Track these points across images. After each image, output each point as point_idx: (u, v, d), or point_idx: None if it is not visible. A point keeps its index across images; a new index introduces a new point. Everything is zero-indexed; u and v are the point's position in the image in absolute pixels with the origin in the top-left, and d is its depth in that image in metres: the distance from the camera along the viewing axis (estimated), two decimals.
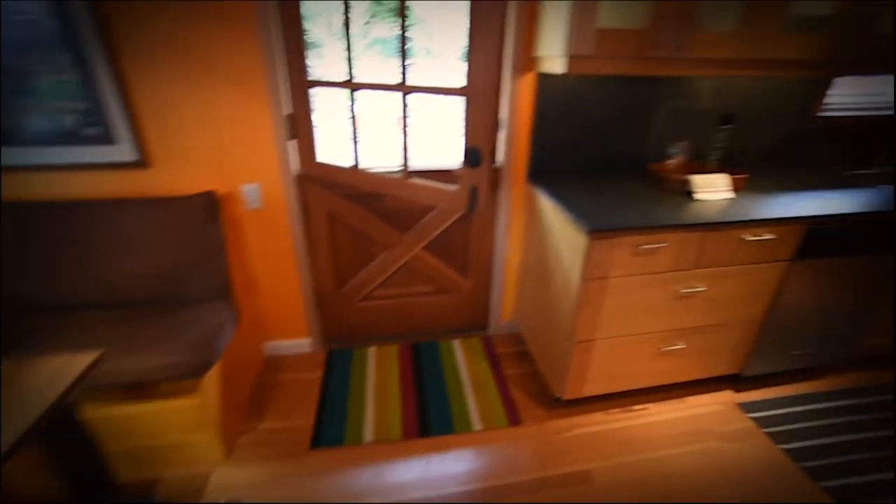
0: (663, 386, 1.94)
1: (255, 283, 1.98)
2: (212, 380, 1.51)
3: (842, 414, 1.88)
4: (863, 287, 1.84)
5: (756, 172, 2.03)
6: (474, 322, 2.33)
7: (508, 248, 2.10)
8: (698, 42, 1.45)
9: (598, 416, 1.83)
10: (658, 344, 1.72)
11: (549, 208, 1.72)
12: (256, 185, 1.78)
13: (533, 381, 2.02)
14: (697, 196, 1.68)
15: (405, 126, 1.64)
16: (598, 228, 1.38)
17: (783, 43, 1.52)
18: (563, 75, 1.75)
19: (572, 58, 1.42)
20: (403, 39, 1.51)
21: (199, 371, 1.41)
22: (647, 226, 1.41)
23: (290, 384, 2.00)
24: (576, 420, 1.81)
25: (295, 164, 1.81)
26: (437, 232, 2.01)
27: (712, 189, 1.70)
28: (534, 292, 1.96)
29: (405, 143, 1.67)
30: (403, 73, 1.56)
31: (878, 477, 1.60)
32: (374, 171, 1.78)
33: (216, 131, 1.65)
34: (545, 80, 1.76)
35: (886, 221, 1.67)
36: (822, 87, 2.06)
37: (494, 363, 2.12)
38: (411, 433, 1.73)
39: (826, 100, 2.10)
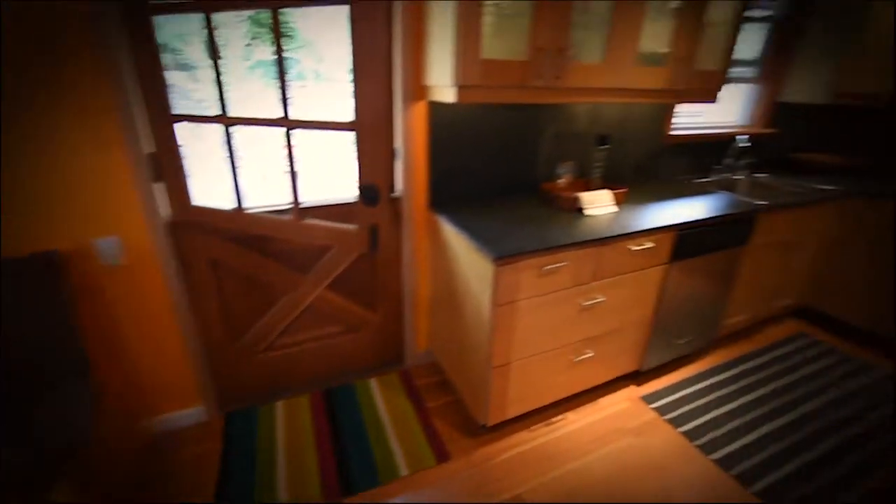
0: (577, 394, 2.04)
1: (125, 350, 1.65)
2: (71, 482, 1.19)
3: (716, 388, 2.15)
4: (720, 277, 2.14)
5: (630, 185, 2.28)
6: (390, 356, 2.23)
7: (417, 278, 2.05)
8: (572, 72, 1.58)
9: (523, 435, 1.85)
10: (569, 356, 1.80)
11: (453, 236, 1.71)
12: (114, 238, 1.49)
13: (456, 410, 1.98)
14: (587, 212, 1.82)
15: (292, 163, 1.52)
16: (504, 255, 1.40)
17: (637, 74, 1.73)
18: (454, 104, 1.77)
19: (461, 87, 1.44)
20: (282, 70, 1.40)
21: (48, 473, 1.11)
22: (548, 247, 1.47)
23: (185, 462, 1.69)
24: (502, 444, 1.81)
25: (166, 209, 1.56)
26: (340, 270, 1.89)
27: (599, 204, 1.85)
28: (447, 320, 1.93)
29: (294, 180, 1.54)
30: (285, 107, 1.45)
31: (751, 438, 1.84)
32: (263, 210, 1.62)
33: (58, 177, 1.35)
34: (437, 108, 1.77)
35: (731, 222, 1.98)
36: (669, 111, 2.39)
37: (415, 397, 2.04)
38: (332, 493, 1.57)
39: (673, 122, 2.44)
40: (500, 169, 2.01)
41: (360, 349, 2.14)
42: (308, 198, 1.75)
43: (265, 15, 1.62)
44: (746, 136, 2.61)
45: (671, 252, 1.83)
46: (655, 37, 1.78)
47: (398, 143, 1.78)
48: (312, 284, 1.88)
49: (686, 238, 1.84)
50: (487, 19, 1.55)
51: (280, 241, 1.76)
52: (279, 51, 1.39)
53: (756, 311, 2.53)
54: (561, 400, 2.00)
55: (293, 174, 1.56)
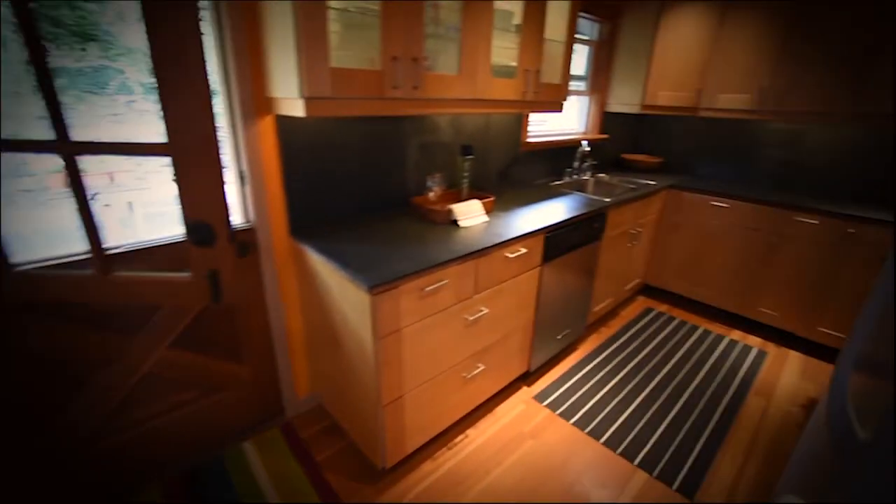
0: (474, 409, 2.00)
1: None
2: None
3: (594, 373, 2.33)
4: (585, 271, 2.33)
5: (496, 192, 2.35)
6: (268, 410, 1.91)
7: (287, 318, 1.79)
8: (430, 83, 1.53)
9: (427, 467, 1.73)
10: (462, 373, 1.74)
11: (322, 266, 1.51)
12: None
13: (350, 456, 1.77)
14: (461, 223, 1.79)
15: (81, 198, 1.17)
16: (380, 283, 1.26)
17: (492, 86, 1.77)
18: (308, 118, 1.59)
19: (309, 100, 1.27)
20: (47, 77, 1.06)
21: None
22: (427, 267, 1.38)
23: None
24: (407, 481, 1.66)
25: None
26: (184, 323, 1.54)
27: (471, 215, 1.84)
28: (328, 360, 1.72)
29: (87, 220, 1.18)
30: (58, 125, 1.10)
31: (626, 414, 2.02)
32: (54, 263, 1.21)
33: None
34: (290, 123, 1.56)
35: (589, 220, 2.16)
36: (525, 120, 2.55)
37: (301, 453, 1.77)
38: None
39: (528, 130, 2.61)
40: (368, 185, 1.87)
41: (229, 410, 1.78)
42: (131, 239, 1.38)
43: (67, 12, 1.23)
44: (587, 142, 2.92)
45: (543, 254, 1.91)
46: (505, 50, 1.85)
47: (244, 165, 1.52)
48: (147, 347, 1.49)
49: (554, 239, 1.94)
50: (336, 26, 1.42)
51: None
52: (36, 52, 1.04)
53: (615, 295, 2.83)
54: (460, 419, 1.93)
55: (86, 212, 1.19)
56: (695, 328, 2.86)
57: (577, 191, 2.77)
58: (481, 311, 1.69)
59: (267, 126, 1.52)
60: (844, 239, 2.40)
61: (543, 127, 2.90)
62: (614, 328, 2.82)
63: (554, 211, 2.07)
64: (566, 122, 3.12)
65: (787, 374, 2.44)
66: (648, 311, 3.07)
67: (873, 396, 0.61)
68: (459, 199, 2.02)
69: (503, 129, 2.43)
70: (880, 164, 2.64)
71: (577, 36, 2.74)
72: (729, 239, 2.81)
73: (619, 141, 3.54)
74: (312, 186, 1.69)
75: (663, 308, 3.13)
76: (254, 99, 1.46)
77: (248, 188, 1.54)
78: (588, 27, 2.96)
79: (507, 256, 1.71)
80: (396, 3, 1.35)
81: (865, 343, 0.59)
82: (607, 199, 2.35)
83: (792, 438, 1.97)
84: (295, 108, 1.32)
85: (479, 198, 1.97)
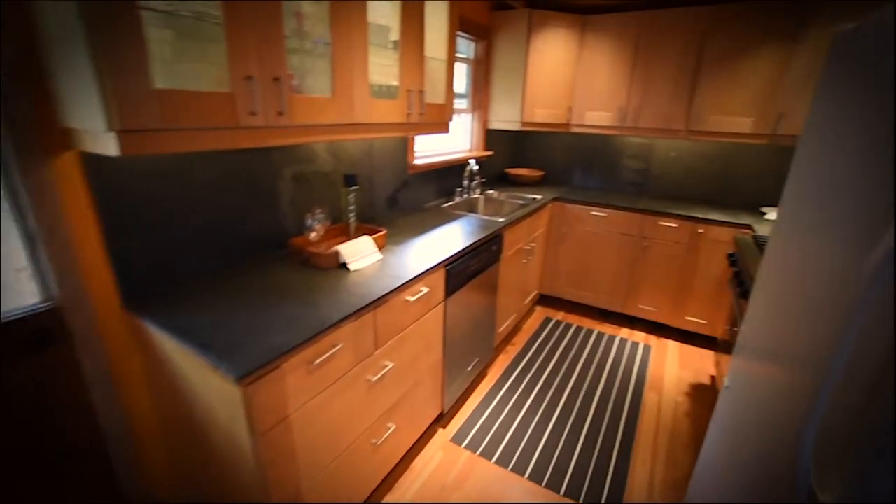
0: (390, 472, 1.76)
1: None
2: None
3: (506, 401, 2.26)
4: (487, 296, 2.25)
5: (386, 222, 2.16)
6: None
7: (133, 416, 1.35)
8: (299, 107, 1.27)
9: None
10: (370, 440, 1.49)
11: (173, 349, 1.14)
12: None
13: None
14: (352, 266, 1.55)
15: None
16: (252, 369, 0.97)
17: (374, 108, 1.57)
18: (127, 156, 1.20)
19: (126, 133, 0.93)
20: None
21: None
22: (315, 333, 1.12)
23: None
24: None
25: None
26: None
27: (362, 255, 1.61)
28: (196, 463, 1.33)
29: None
30: None
31: (544, 440, 1.98)
32: None
33: None
34: (107, 162, 1.16)
35: (487, 243, 2.08)
36: (411, 141, 2.40)
37: None
38: None
39: (415, 151, 2.47)
40: (233, 231, 1.52)
41: None
42: None
43: None
44: (475, 160, 2.89)
45: (445, 289, 1.77)
46: (385, 69, 1.67)
47: (31, 222, 1.08)
48: None
49: (455, 271, 1.81)
50: (164, 34, 1.08)
51: None
52: None
53: (517, 312, 2.83)
54: (375, 488, 1.68)
55: None
56: (590, 332, 3.00)
57: (470, 211, 2.71)
58: (385, 366, 1.47)
59: (68, 166, 1.11)
60: (695, 237, 2.72)
61: (429, 147, 2.80)
62: (519, 345, 2.81)
63: (451, 238, 1.95)
64: (452, 140, 3.06)
65: (670, 364, 2.67)
66: (547, 320, 3.15)
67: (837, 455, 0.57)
68: (347, 237, 1.78)
69: (389, 153, 2.25)
70: (715, 172, 3.08)
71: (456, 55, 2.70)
72: (609, 245, 3.02)
73: (502, 156, 3.62)
74: (154, 241, 1.29)
75: (559, 315, 3.25)
76: (39, 129, 1.05)
77: (43, 253, 1.10)
78: (465, 46, 2.95)
79: (407, 300, 1.52)
80: (244, 7, 1.08)
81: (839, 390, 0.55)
82: (501, 219, 2.32)
83: (682, 429, 2.12)
84: (104, 144, 0.96)
85: (370, 232, 1.76)
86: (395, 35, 1.67)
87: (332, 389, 1.24)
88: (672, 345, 2.91)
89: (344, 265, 1.54)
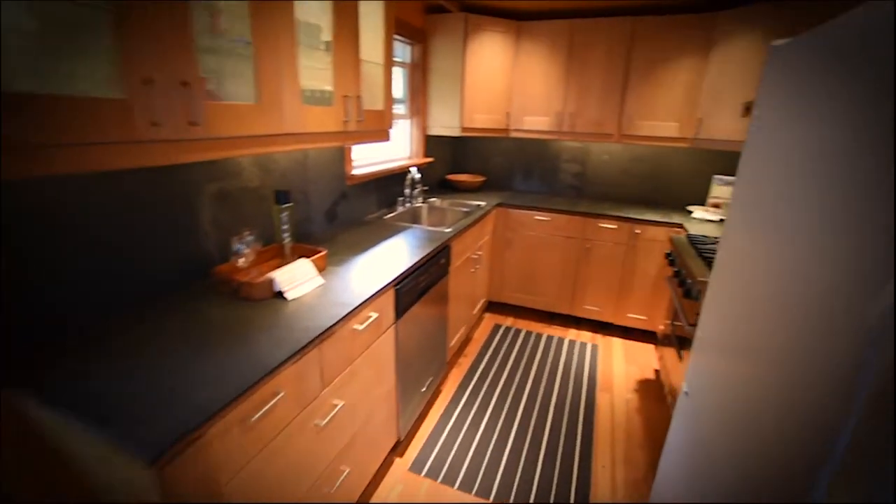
0: None
1: None
2: None
3: (464, 416, 2.18)
4: (438, 311, 2.15)
5: (327, 239, 1.98)
6: None
7: None
8: (218, 116, 1.08)
9: None
10: (324, 489, 1.32)
11: (62, 429, 0.90)
12: None
13: None
14: (289, 295, 1.37)
15: None
16: (167, 446, 0.77)
17: (306, 116, 1.41)
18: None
19: None
20: None
21: None
22: (249, 385, 0.94)
23: None
24: None
25: None
26: None
27: (300, 281, 1.43)
28: None
29: None
30: None
31: (506, 455, 1.91)
32: None
33: None
34: None
35: (435, 257, 1.98)
36: (348, 150, 2.23)
37: None
38: None
39: (353, 160, 2.30)
40: (141, 264, 1.27)
41: None
42: None
43: None
44: (416, 168, 2.78)
45: (395, 310, 1.64)
46: (317, 72, 1.51)
47: None
48: None
49: (404, 290, 1.69)
50: (25, 21, 0.85)
51: None
52: None
53: (467, 322, 2.76)
54: None
55: None
56: (539, 336, 3.01)
57: (414, 222, 2.60)
58: (335, 406, 1.31)
59: None
60: (633, 238, 2.83)
61: (368, 155, 2.64)
62: (471, 355, 2.74)
63: (397, 253, 1.82)
64: (391, 147, 2.93)
65: (617, 362, 2.75)
66: (497, 327, 3.12)
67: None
68: (282, 260, 1.59)
69: (325, 163, 2.07)
70: (646, 174, 3.24)
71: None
72: (553, 248, 3.05)
73: (443, 162, 3.55)
74: (35, 295, 1.03)
75: (509, 321, 3.23)
76: None
77: None
78: (401, 49, 2.83)
79: (355, 329, 1.37)
80: None
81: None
82: (448, 230, 2.23)
83: (636, 427, 2.17)
84: None
85: (308, 253, 1.58)
86: (327, 35, 1.52)
87: (275, 444, 1.07)
88: (617, 342, 3.00)
89: (280, 294, 1.36)
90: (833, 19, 0.76)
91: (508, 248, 3.16)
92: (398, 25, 2.56)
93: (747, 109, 2.00)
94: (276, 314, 1.25)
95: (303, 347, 1.10)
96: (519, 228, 3.09)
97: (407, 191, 2.79)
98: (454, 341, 2.53)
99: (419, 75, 2.94)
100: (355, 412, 1.45)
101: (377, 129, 1.89)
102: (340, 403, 1.33)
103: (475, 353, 2.76)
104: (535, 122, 3.09)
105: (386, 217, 2.50)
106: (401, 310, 1.68)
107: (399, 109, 2.92)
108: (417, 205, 2.82)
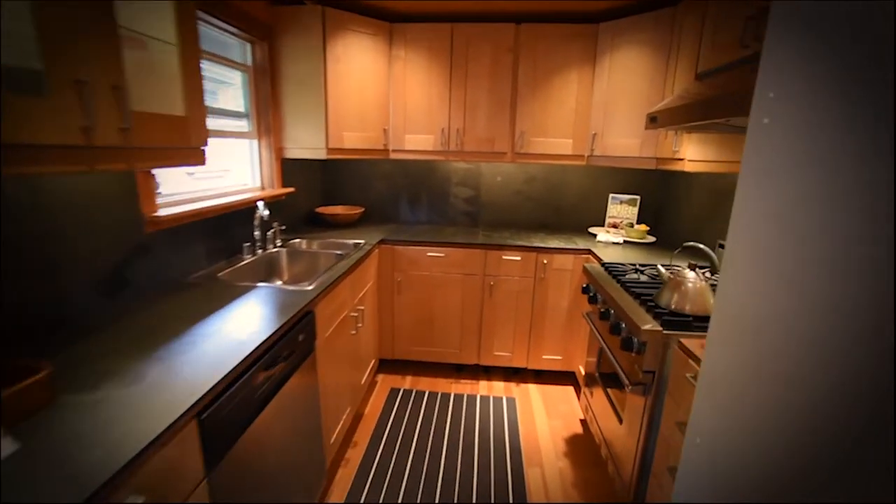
0: None
1: None
2: None
3: None
4: (303, 405, 1.46)
5: (95, 329, 1.18)
6: None
7: None
8: None
9: None
10: None
11: None
12: None
13: None
14: None
15: None
16: None
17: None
18: None
19: None
20: None
21: None
22: None
23: None
24: None
25: None
26: None
27: None
28: None
29: None
30: None
31: None
32: None
33: None
34: None
35: (287, 334, 1.31)
36: (145, 182, 1.45)
37: None
38: None
39: (157, 196, 1.53)
40: None
41: None
42: None
43: None
44: (263, 202, 2.08)
45: (204, 457, 0.93)
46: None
47: None
48: None
49: (223, 415, 0.99)
50: None
51: None
52: None
53: (352, 401, 2.09)
54: None
55: None
56: (446, 396, 2.46)
57: (266, 278, 1.90)
58: None
59: None
60: (541, 268, 2.48)
61: (191, 187, 1.87)
62: (362, 444, 2.06)
63: (218, 342, 1.12)
64: (232, 175, 2.18)
65: (539, 418, 2.32)
66: (394, 393, 2.49)
67: None
68: None
69: (89, 200, 1.27)
70: (542, 196, 2.97)
71: (218, 54, 1.87)
72: (451, 288, 2.56)
73: (309, 192, 2.87)
74: None
75: (407, 382, 2.63)
76: None
77: None
78: (239, 48, 2.13)
79: None
80: None
81: None
82: (310, 287, 1.58)
83: (577, 499, 1.73)
84: None
85: (23, 378, 0.80)
86: None
87: None
88: (532, 389, 2.60)
89: None
90: None
91: (398, 294, 2.59)
92: (231, 12, 1.88)
93: (652, 121, 1.78)
94: None
95: None
96: (409, 268, 2.54)
97: (257, 233, 2.06)
98: (335, 435, 1.83)
99: (266, 83, 2.27)
100: None
101: (172, 147, 1.18)
102: None
103: (367, 439, 2.09)
104: (418, 140, 2.61)
105: (222, 274, 1.74)
106: (215, 450, 0.97)
107: (240, 126, 2.19)
108: (273, 250, 2.10)
